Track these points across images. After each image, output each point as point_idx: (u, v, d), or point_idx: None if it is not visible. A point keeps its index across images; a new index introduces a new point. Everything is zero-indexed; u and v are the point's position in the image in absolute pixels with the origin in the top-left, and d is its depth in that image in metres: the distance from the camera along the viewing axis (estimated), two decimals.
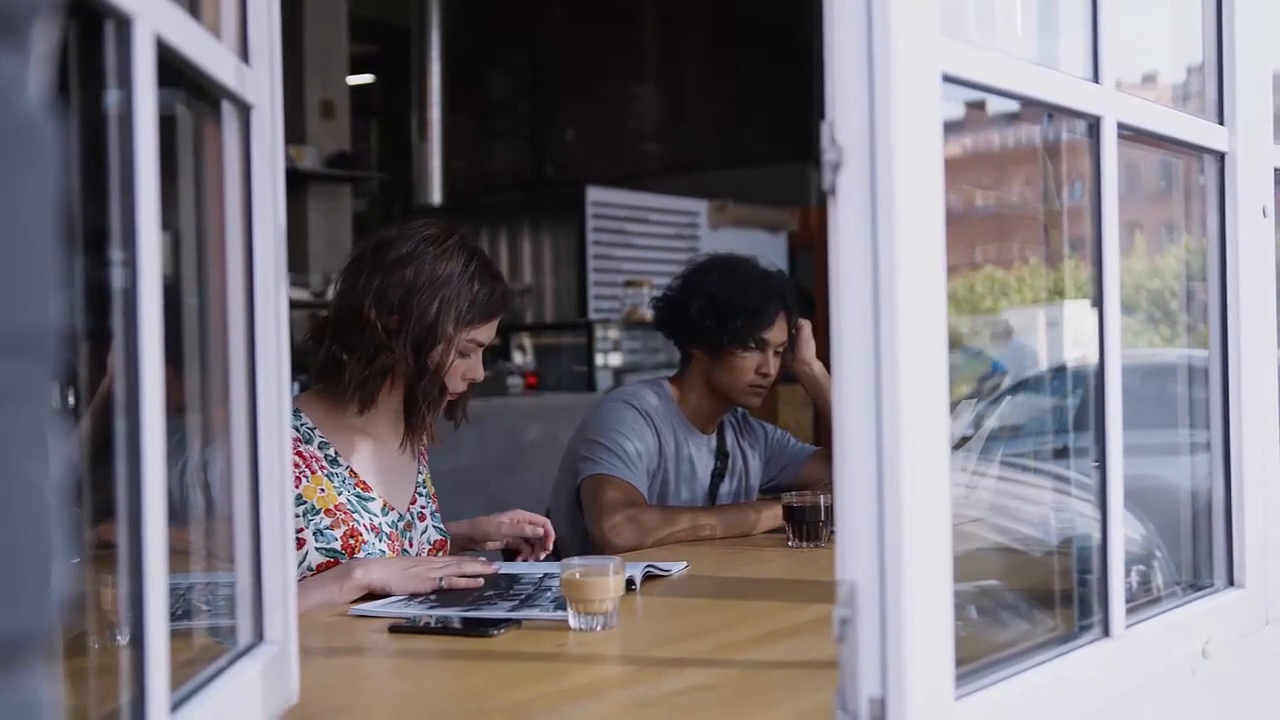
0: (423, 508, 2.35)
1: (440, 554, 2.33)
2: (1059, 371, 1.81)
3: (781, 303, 2.87)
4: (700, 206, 8.25)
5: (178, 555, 1.29)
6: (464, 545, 2.40)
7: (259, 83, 1.31)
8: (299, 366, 2.01)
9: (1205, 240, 1.80)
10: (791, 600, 2.06)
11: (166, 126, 1.02)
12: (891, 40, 1.09)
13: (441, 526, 2.38)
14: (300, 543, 2.10)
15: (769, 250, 7.45)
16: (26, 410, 0.55)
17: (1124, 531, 1.50)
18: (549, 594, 1.98)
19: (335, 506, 2.17)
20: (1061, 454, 1.76)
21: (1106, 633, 1.46)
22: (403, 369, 2.20)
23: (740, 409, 3.01)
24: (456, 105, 9.17)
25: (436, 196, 8.80)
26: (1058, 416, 1.84)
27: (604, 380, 7.16)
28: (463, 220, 7.30)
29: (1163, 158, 1.87)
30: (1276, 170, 1.85)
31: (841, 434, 1.12)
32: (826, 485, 2.60)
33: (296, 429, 2.16)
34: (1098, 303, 1.47)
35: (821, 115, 1.12)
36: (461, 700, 1.51)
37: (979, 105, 1.42)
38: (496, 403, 6.10)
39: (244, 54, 1.29)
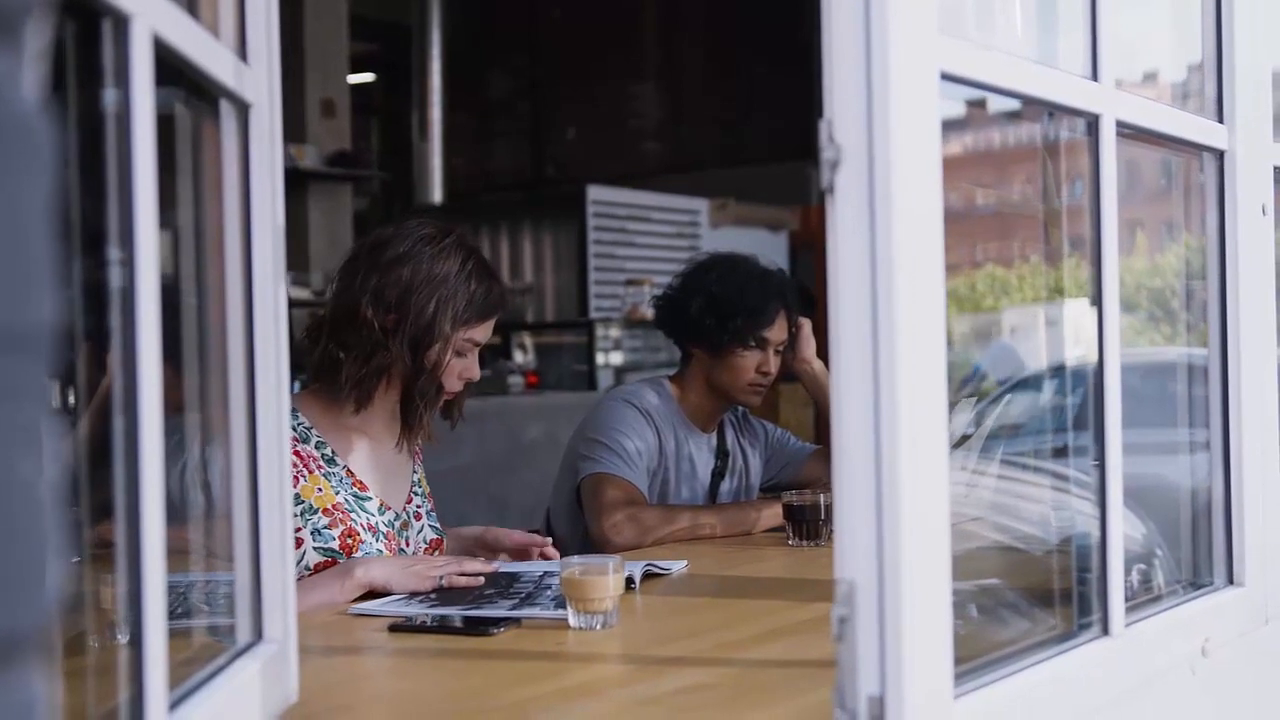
0: (418, 507, 2.35)
1: (436, 553, 2.33)
2: (1059, 370, 1.81)
3: (782, 301, 2.87)
4: (701, 205, 8.25)
5: (178, 555, 1.30)
6: (471, 550, 2.40)
7: (257, 82, 1.31)
8: (298, 366, 2.02)
9: (1205, 238, 1.80)
10: (791, 599, 2.06)
11: (165, 125, 1.02)
12: (890, 38, 1.09)
13: (437, 526, 2.38)
14: (298, 542, 2.10)
15: (770, 249, 7.44)
16: (22, 408, 0.55)
17: (1124, 530, 1.50)
18: (549, 592, 1.98)
19: (333, 506, 2.17)
20: (1061, 453, 1.76)
21: (1106, 631, 1.46)
22: (399, 368, 2.20)
23: (740, 408, 3.01)
24: (457, 104, 9.17)
25: (437, 196, 8.79)
26: (1058, 415, 1.84)
27: (605, 379, 7.16)
28: (464, 219, 7.33)
29: (1163, 156, 1.87)
30: (1276, 168, 1.85)
31: (840, 433, 1.12)
32: (827, 484, 2.60)
33: (293, 428, 2.16)
34: (1097, 301, 1.47)
35: (821, 114, 1.12)
36: (461, 699, 1.51)
37: (979, 104, 1.42)
38: (497, 402, 6.11)
39: (242, 53, 1.29)
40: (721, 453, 2.98)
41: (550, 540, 2.39)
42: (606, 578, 1.77)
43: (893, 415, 1.09)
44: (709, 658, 1.67)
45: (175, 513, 1.14)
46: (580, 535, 2.75)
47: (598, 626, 1.77)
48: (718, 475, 2.96)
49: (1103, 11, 1.47)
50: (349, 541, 2.16)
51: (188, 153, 1.25)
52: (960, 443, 1.95)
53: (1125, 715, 1.52)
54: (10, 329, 0.55)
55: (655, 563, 2.23)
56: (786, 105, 8.64)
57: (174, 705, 1.04)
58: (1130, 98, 1.54)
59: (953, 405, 1.19)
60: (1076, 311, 1.58)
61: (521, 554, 2.35)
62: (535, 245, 8.40)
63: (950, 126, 1.27)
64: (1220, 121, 1.76)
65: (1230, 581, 1.77)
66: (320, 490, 2.17)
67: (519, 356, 7.38)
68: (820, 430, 3.68)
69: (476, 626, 1.79)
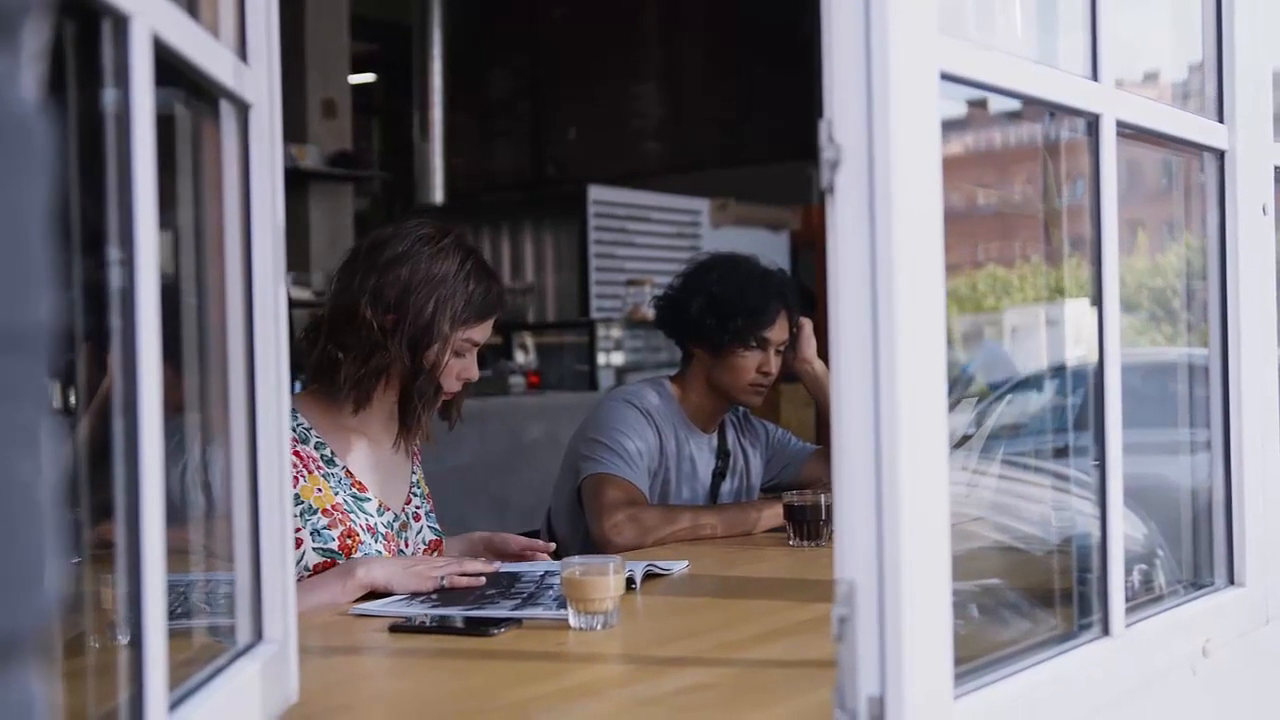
0: (417, 508, 2.35)
1: (435, 554, 2.33)
2: (1060, 370, 1.81)
3: (782, 301, 2.87)
4: (702, 205, 8.25)
5: (179, 555, 1.30)
6: (477, 551, 2.40)
7: (257, 82, 1.31)
8: (299, 366, 2.02)
9: (1206, 238, 1.79)
10: (792, 599, 2.06)
11: (165, 126, 1.02)
12: (889, 38, 1.09)
13: (436, 527, 2.38)
14: (298, 543, 2.10)
15: (771, 249, 7.44)
16: (21, 409, 0.55)
17: (1126, 530, 1.50)
18: (551, 592, 1.98)
19: (332, 506, 2.17)
20: (1062, 453, 1.76)
21: (1106, 631, 1.46)
22: (398, 368, 2.20)
23: (741, 408, 3.01)
24: (458, 104, 9.16)
25: (438, 196, 8.79)
26: (1059, 415, 1.84)
27: (606, 379, 7.16)
28: (464, 219, 7.32)
29: (1164, 156, 1.87)
30: (1276, 168, 1.85)
31: (840, 433, 1.12)
32: (827, 484, 2.60)
33: (293, 429, 2.16)
34: (1097, 301, 1.47)
35: (821, 113, 1.12)
36: (461, 700, 1.51)
37: (980, 104, 1.42)
38: (498, 402, 6.11)
39: (242, 53, 1.29)
40: (722, 453, 2.98)
41: (553, 546, 2.39)
42: (607, 578, 1.77)
43: (893, 415, 1.09)
44: (709, 658, 1.67)
45: (176, 513, 1.14)
46: (581, 535, 2.75)
47: (598, 627, 1.77)
48: (718, 475, 2.96)
49: (1103, 11, 1.47)
50: (348, 542, 2.16)
51: (188, 153, 1.26)
52: (961, 443, 1.95)
53: (1126, 716, 1.52)
54: (9, 329, 0.55)
55: (656, 563, 2.23)
56: (787, 105, 8.63)
57: (174, 706, 1.04)
58: (1130, 97, 1.54)
59: (952, 406, 1.19)
60: (1077, 311, 1.58)
61: (523, 558, 2.35)
62: (536, 245, 8.40)
63: (951, 126, 1.27)
64: (1221, 121, 1.76)
65: (1231, 581, 1.76)
66: (320, 491, 2.17)
67: (520, 357, 7.38)
68: (821, 430, 3.68)
69: (477, 627, 1.79)
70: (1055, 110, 1.52)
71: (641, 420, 2.80)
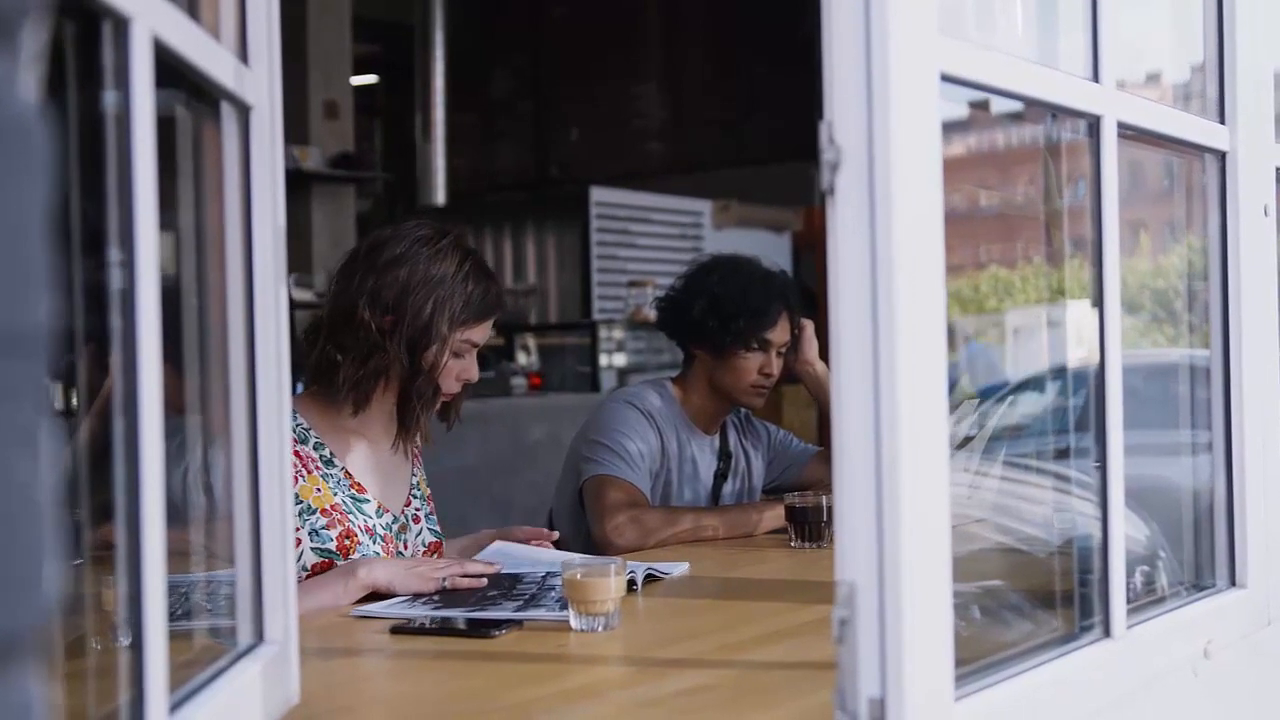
0: (417, 510, 2.35)
1: (435, 556, 2.33)
2: (1062, 371, 1.80)
3: (784, 303, 2.87)
4: (704, 206, 8.25)
5: (180, 557, 1.30)
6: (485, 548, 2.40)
7: (258, 83, 1.31)
8: (300, 367, 2.02)
9: (1208, 239, 1.79)
10: (793, 601, 2.06)
11: (166, 127, 1.03)
12: (889, 40, 1.09)
13: (437, 528, 2.38)
14: (296, 542, 2.10)
15: (773, 250, 7.44)
16: (19, 410, 0.55)
17: (1128, 532, 1.49)
18: (553, 593, 1.98)
19: (331, 507, 2.17)
20: (1064, 454, 1.76)
21: (1107, 633, 1.45)
22: (397, 370, 2.20)
23: (743, 409, 3.01)
24: (460, 105, 9.17)
25: (440, 196, 8.79)
26: (1060, 416, 1.84)
27: (608, 381, 7.16)
28: (466, 220, 7.32)
29: (1166, 157, 1.87)
30: (1278, 169, 1.85)
31: (840, 434, 1.12)
32: (829, 485, 2.58)
33: (292, 429, 2.16)
34: (1098, 303, 1.47)
35: (821, 115, 1.12)
36: (462, 701, 1.51)
37: (982, 105, 1.42)
38: (500, 403, 6.11)
39: (243, 55, 1.29)
40: (724, 454, 2.98)
41: (556, 534, 2.39)
42: (608, 580, 1.77)
43: (893, 417, 1.09)
44: (710, 659, 1.67)
45: (177, 515, 1.14)
46: (583, 537, 2.75)
47: (599, 628, 1.77)
48: (720, 477, 2.96)
49: (1104, 12, 1.47)
50: (346, 543, 2.16)
51: (189, 155, 1.26)
52: (963, 444, 1.95)
53: (1127, 717, 1.52)
54: (8, 331, 0.55)
55: (655, 567, 2.23)
56: (789, 105, 8.62)
57: (175, 707, 1.04)
58: (1131, 99, 1.54)
59: (954, 407, 1.19)
60: (1079, 313, 1.58)
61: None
62: (538, 246, 8.41)
63: (953, 127, 1.27)
64: (1222, 122, 1.76)
65: (1232, 583, 1.76)
66: (319, 491, 2.17)
67: (522, 358, 7.37)
68: (823, 432, 3.69)
69: (478, 628, 1.79)
70: (1056, 111, 1.52)
71: (643, 422, 2.80)
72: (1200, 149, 1.75)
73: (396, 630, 1.83)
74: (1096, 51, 1.46)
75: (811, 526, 2.53)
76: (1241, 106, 1.75)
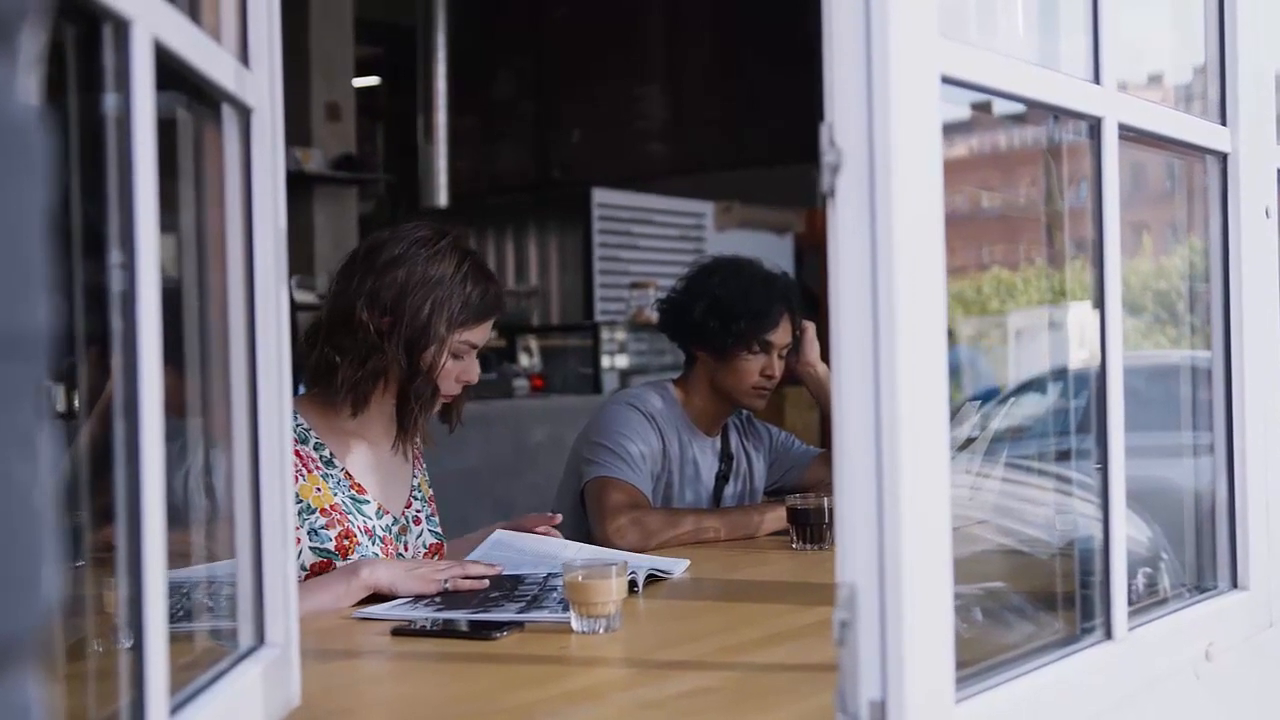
0: (418, 512, 2.34)
1: (436, 557, 2.33)
2: (1063, 373, 1.80)
3: (786, 305, 2.87)
4: (706, 208, 8.25)
5: (181, 559, 1.30)
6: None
7: (259, 86, 1.31)
8: (300, 369, 2.02)
9: (1209, 240, 1.79)
10: (794, 603, 2.05)
11: (167, 129, 1.03)
12: (890, 42, 1.09)
13: (438, 530, 2.38)
14: (295, 541, 2.10)
15: (775, 251, 7.45)
16: (18, 413, 0.55)
17: (1130, 533, 1.49)
18: (555, 594, 1.98)
19: (330, 507, 2.17)
20: (1066, 456, 1.76)
21: (1109, 635, 1.45)
22: (395, 371, 2.20)
23: (745, 411, 3.01)
24: (461, 107, 9.17)
25: (442, 198, 8.80)
26: (1062, 418, 1.84)
27: (610, 382, 7.16)
28: (469, 222, 7.32)
29: (1169, 158, 1.87)
30: (1279, 171, 1.84)
31: (841, 436, 1.12)
32: (831, 487, 2.60)
33: (293, 430, 2.16)
34: (1099, 304, 1.47)
35: (822, 117, 1.12)
36: (463, 703, 1.51)
37: (985, 106, 1.42)
38: (502, 405, 6.11)
39: (244, 57, 1.29)
40: (725, 456, 2.98)
41: (559, 517, 2.39)
42: (609, 581, 1.77)
43: (893, 418, 1.09)
44: (711, 662, 1.67)
45: (178, 517, 1.14)
46: (584, 538, 2.74)
47: (601, 630, 1.77)
48: (722, 479, 2.96)
49: (1105, 14, 1.47)
50: (345, 543, 2.16)
51: (190, 157, 1.26)
52: (965, 445, 1.95)
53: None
54: (6, 334, 0.55)
55: (657, 566, 2.23)
56: (791, 107, 8.62)
57: (175, 709, 1.04)
58: (1132, 100, 1.54)
59: (954, 410, 1.19)
60: (1081, 314, 1.58)
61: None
62: (540, 248, 8.41)
63: (956, 129, 1.27)
64: (1223, 124, 1.76)
65: (1234, 585, 1.76)
66: (319, 491, 2.17)
67: (524, 360, 7.37)
68: (825, 433, 3.69)
69: (479, 630, 1.79)
70: (1057, 113, 1.51)
71: (644, 423, 2.80)
72: (1201, 150, 1.75)
73: (398, 632, 1.83)
74: (1097, 53, 1.46)
75: (813, 528, 2.53)
76: (1243, 108, 1.75)
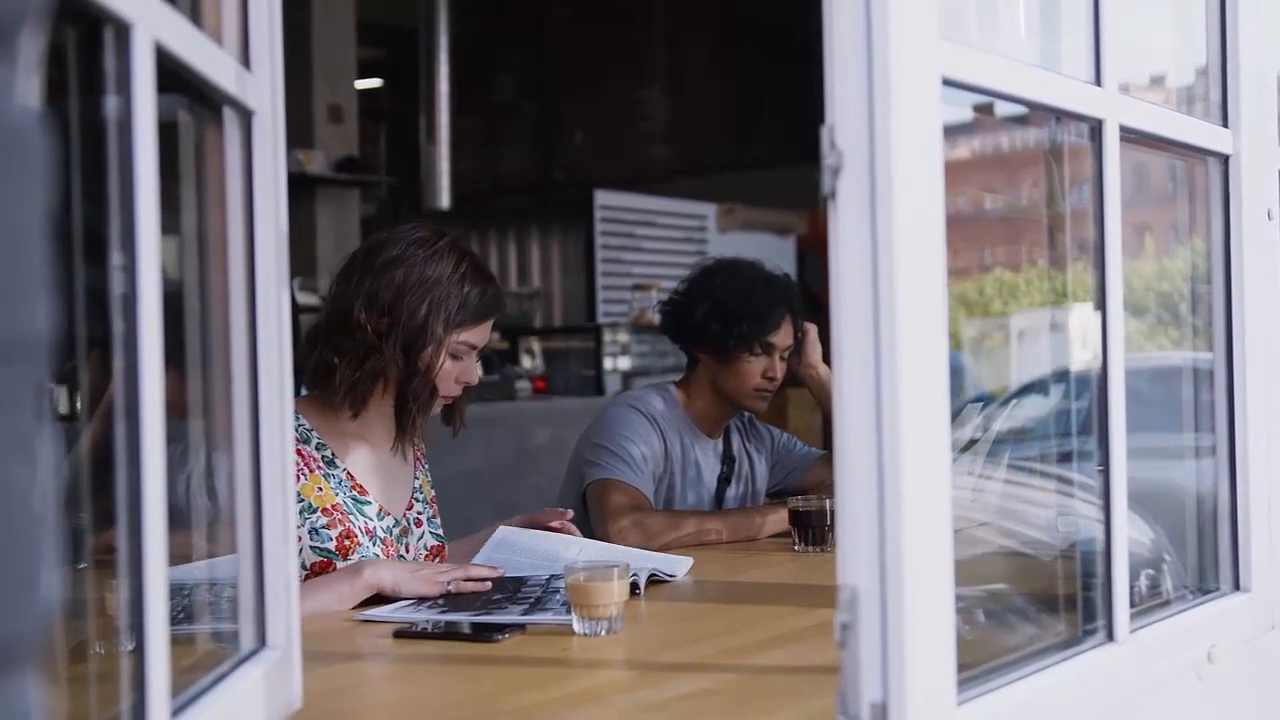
0: (419, 513, 2.34)
1: (437, 559, 2.33)
2: (1066, 374, 1.80)
3: (787, 306, 2.87)
4: (708, 210, 8.25)
5: (183, 562, 1.30)
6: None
7: (260, 88, 1.31)
8: (302, 371, 2.02)
9: (1211, 242, 1.79)
10: (796, 605, 2.05)
11: (168, 132, 1.03)
12: (890, 44, 1.09)
13: (439, 532, 2.38)
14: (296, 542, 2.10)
15: (777, 253, 7.44)
16: (18, 416, 0.55)
17: (1132, 535, 1.49)
18: (558, 596, 1.98)
19: (332, 506, 2.17)
20: (1068, 457, 1.75)
21: (1111, 637, 1.45)
22: (394, 372, 2.20)
23: (747, 413, 3.01)
24: (464, 108, 9.18)
25: (445, 200, 8.80)
26: (1065, 420, 1.83)
27: (612, 384, 7.17)
28: (471, 224, 7.32)
29: (1171, 160, 1.87)
30: None
31: (842, 438, 1.12)
32: (832, 489, 2.60)
33: (295, 430, 2.16)
34: (1101, 306, 1.47)
35: (824, 118, 1.12)
36: (465, 705, 1.51)
37: (987, 108, 1.42)
38: (505, 406, 6.11)
39: (245, 60, 1.29)
40: (727, 458, 2.98)
41: (570, 513, 2.39)
42: (611, 584, 1.77)
43: (894, 420, 1.09)
44: (713, 664, 1.66)
45: (180, 520, 1.14)
46: None
47: (602, 632, 1.77)
48: (724, 481, 2.96)
49: (1106, 16, 1.47)
50: (345, 543, 2.16)
51: (191, 159, 1.26)
52: (967, 447, 1.95)
53: None
54: (7, 337, 0.55)
55: (659, 566, 2.23)
56: (793, 109, 8.61)
57: (177, 712, 1.04)
58: (1134, 102, 1.54)
59: (958, 411, 1.19)
60: (1083, 316, 1.58)
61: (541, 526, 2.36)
62: (543, 250, 8.42)
63: (958, 131, 1.27)
64: (1225, 126, 1.75)
65: (1237, 587, 1.76)
66: (320, 490, 2.17)
67: (526, 361, 7.38)
68: (827, 435, 3.68)
69: (481, 632, 1.79)
70: (1058, 115, 1.51)
71: (646, 425, 2.80)
72: (1203, 152, 1.75)
73: (400, 634, 1.83)
74: (1099, 55, 1.46)
75: (815, 530, 2.53)
76: (1245, 110, 1.75)
